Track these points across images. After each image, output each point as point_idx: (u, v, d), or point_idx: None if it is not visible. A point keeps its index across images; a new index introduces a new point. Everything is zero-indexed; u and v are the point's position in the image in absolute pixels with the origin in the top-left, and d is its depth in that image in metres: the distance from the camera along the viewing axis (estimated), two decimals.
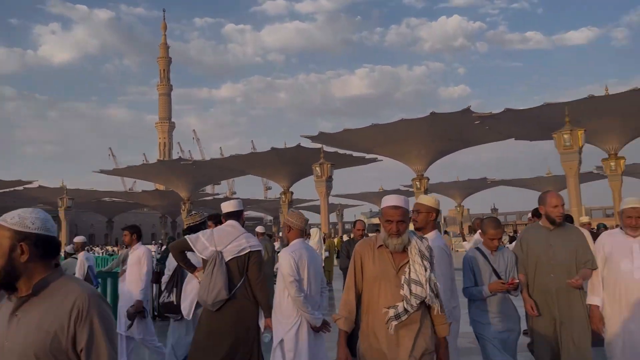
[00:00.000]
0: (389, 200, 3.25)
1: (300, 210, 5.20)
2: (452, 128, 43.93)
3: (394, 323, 3.05)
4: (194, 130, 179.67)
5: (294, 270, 4.51)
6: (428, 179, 49.84)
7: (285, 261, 4.58)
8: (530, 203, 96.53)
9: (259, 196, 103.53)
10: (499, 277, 4.35)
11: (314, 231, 15.41)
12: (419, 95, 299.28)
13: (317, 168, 38.45)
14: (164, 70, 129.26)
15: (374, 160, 56.53)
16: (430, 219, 4.15)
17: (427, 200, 4.26)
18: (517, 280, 4.31)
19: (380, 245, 3.20)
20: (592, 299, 4.33)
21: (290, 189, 53.54)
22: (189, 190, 60.88)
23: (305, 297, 4.52)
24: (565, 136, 29.00)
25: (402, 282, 3.10)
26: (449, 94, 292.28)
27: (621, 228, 4.35)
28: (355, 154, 53.08)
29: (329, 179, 38.87)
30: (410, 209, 3.43)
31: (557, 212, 4.37)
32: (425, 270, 3.09)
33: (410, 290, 3.06)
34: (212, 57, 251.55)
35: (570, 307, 4.30)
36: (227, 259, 4.57)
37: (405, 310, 3.05)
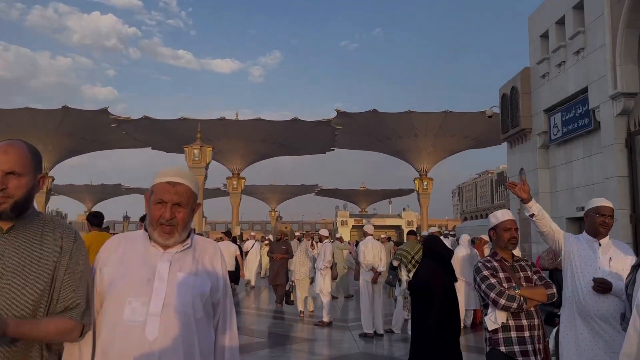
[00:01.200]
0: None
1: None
2: (88, 127, 41.12)
3: None
4: None
5: None
6: (53, 178, 45.17)
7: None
8: None
9: None
10: None
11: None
12: (62, 89, 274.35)
13: None
14: None
15: None
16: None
17: None
18: None
19: None
20: None
21: None
22: None
23: None
24: (195, 151, 30.58)
25: None
26: (94, 94, 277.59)
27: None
28: None
29: None
30: None
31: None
32: None
33: None
34: None
35: None
36: None
37: None
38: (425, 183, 45.52)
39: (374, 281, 9.13)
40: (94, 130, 41.60)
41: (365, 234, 9.56)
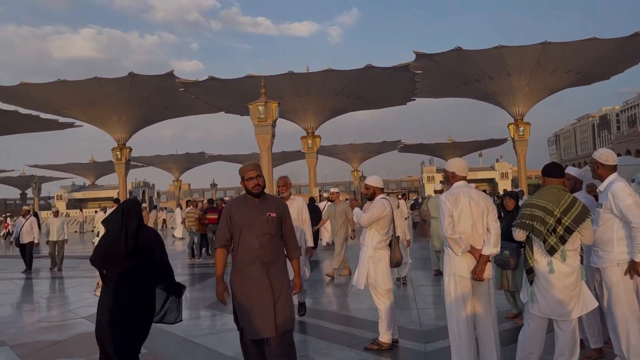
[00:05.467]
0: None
1: None
2: (157, 94, 40.06)
3: None
4: None
5: None
6: (131, 149, 45.07)
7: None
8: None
9: None
10: None
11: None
12: (151, 66, 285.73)
13: None
14: None
15: (72, 125, 48.85)
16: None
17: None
18: None
19: None
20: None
21: None
22: None
23: None
24: (260, 107, 28.06)
25: None
26: (181, 68, 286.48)
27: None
28: (43, 115, 44.68)
29: None
30: None
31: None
32: None
33: None
34: None
35: None
36: None
37: None
38: (522, 128, 40.34)
39: (479, 277, 4.41)
40: (163, 96, 40.55)
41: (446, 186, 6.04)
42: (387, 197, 5.85)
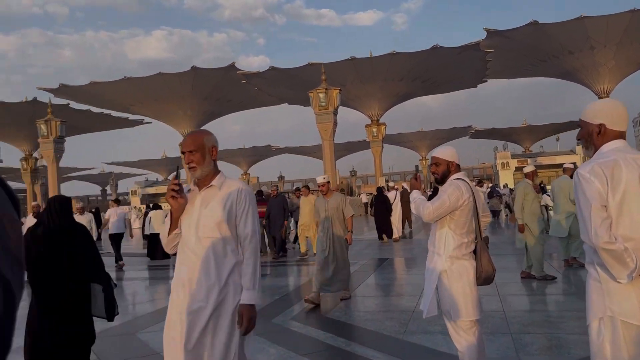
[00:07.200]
0: None
1: None
2: (219, 87, 40.02)
3: None
4: None
5: None
6: None
7: None
8: (313, 170, 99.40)
9: None
10: None
11: None
12: (220, 63, 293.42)
13: (42, 126, 30.91)
14: None
15: (141, 122, 50.08)
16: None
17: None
18: None
19: None
20: None
21: (35, 154, 44.07)
22: None
23: None
24: (321, 95, 27.01)
25: None
26: (248, 63, 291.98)
27: None
28: (115, 113, 46.00)
29: (60, 139, 31.69)
30: None
31: None
32: None
33: None
34: None
35: None
36: None
37: None
38: None
39: None
40: (226, 90, 40.47)
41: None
42: (466, 178, 3.72)
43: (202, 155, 2.78)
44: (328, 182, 7.86)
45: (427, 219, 3.57)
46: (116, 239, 13.71)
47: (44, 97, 36.35)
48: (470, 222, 3.60)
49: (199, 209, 2.76)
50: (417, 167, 4.11)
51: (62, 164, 35.72)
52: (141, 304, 8.46)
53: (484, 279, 3.55)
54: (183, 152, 2.83)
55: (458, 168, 3.68)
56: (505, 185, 30.19)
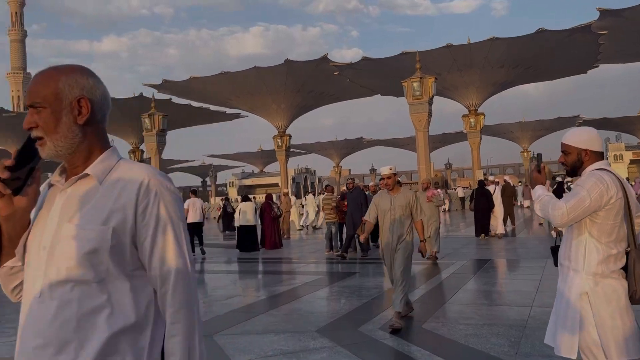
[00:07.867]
0: None
1: None
2: (312, 80, 40.03)
3: None
4: None
5: None
6: (290, 136, 45.95)
7: None
8: (405, 162, 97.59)
9: None
10: None
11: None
12: (314, 57, 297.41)
13: (146, 120, 32.61)
14: (15, 13, 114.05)
15: (238, 115, 51.52)
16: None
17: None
18: None
19: None
20: None
21: (141, 147, 46.79)
22: None
23: None
24: (415, 84, 25.95)
25: None
26: (342, 56, 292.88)
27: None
28: (213, 107, 47.68)
29: (162, 133, 33.25)
30: None
31: None
32: None
33: None
34: (92, 7, 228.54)
35: None
36: None
37: None
38: None
39: None
40: (318, 82, 40.39)
41: None
42: (610, 168, 2.81)
43: (56, 115, 1.38)
44: (395, 175, 6.24)
45: (558, 222, 2.66)
46: (196, 228, 13.96)
47: (149, 93, 38.46)
48: (620, 226, 2.67)
49: (56, 224, 1.36)
50: (539, 155, 3.15)
51: (165, 156, 37.68)
52: (218, 302, 8.06)
53: (639, 298, 2.62)
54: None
55: (596, 156, 2.77)
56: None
